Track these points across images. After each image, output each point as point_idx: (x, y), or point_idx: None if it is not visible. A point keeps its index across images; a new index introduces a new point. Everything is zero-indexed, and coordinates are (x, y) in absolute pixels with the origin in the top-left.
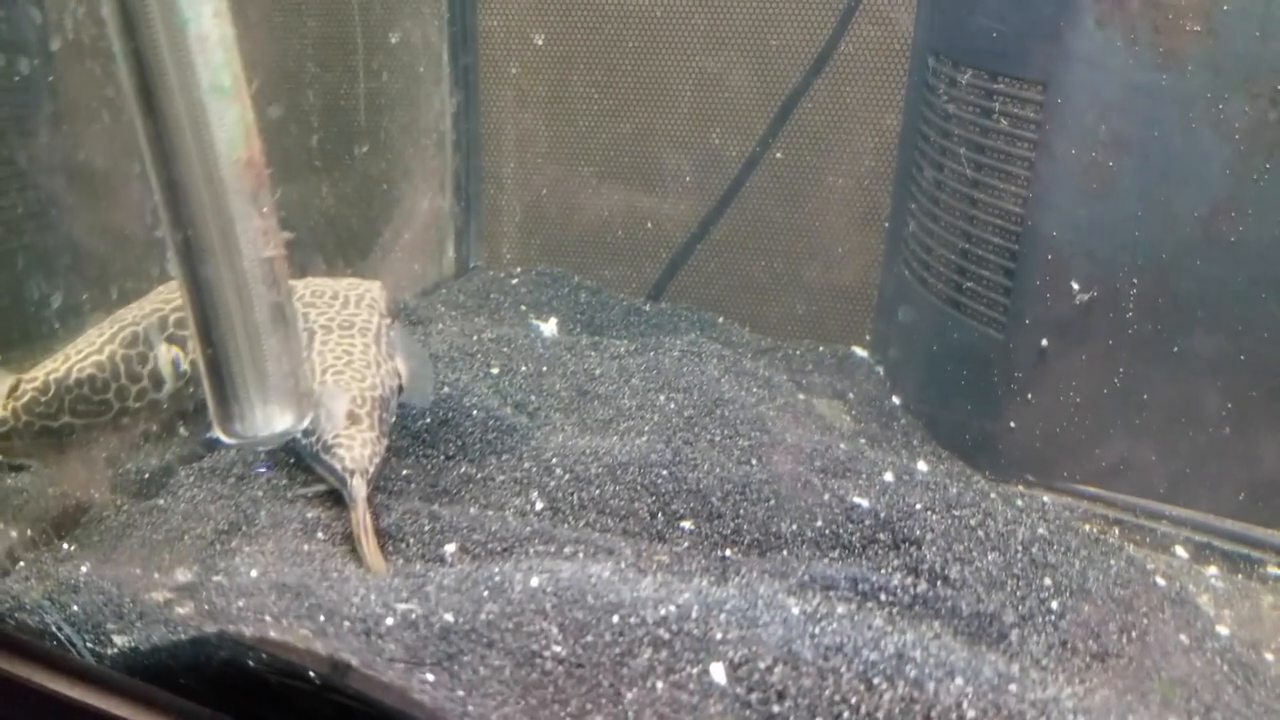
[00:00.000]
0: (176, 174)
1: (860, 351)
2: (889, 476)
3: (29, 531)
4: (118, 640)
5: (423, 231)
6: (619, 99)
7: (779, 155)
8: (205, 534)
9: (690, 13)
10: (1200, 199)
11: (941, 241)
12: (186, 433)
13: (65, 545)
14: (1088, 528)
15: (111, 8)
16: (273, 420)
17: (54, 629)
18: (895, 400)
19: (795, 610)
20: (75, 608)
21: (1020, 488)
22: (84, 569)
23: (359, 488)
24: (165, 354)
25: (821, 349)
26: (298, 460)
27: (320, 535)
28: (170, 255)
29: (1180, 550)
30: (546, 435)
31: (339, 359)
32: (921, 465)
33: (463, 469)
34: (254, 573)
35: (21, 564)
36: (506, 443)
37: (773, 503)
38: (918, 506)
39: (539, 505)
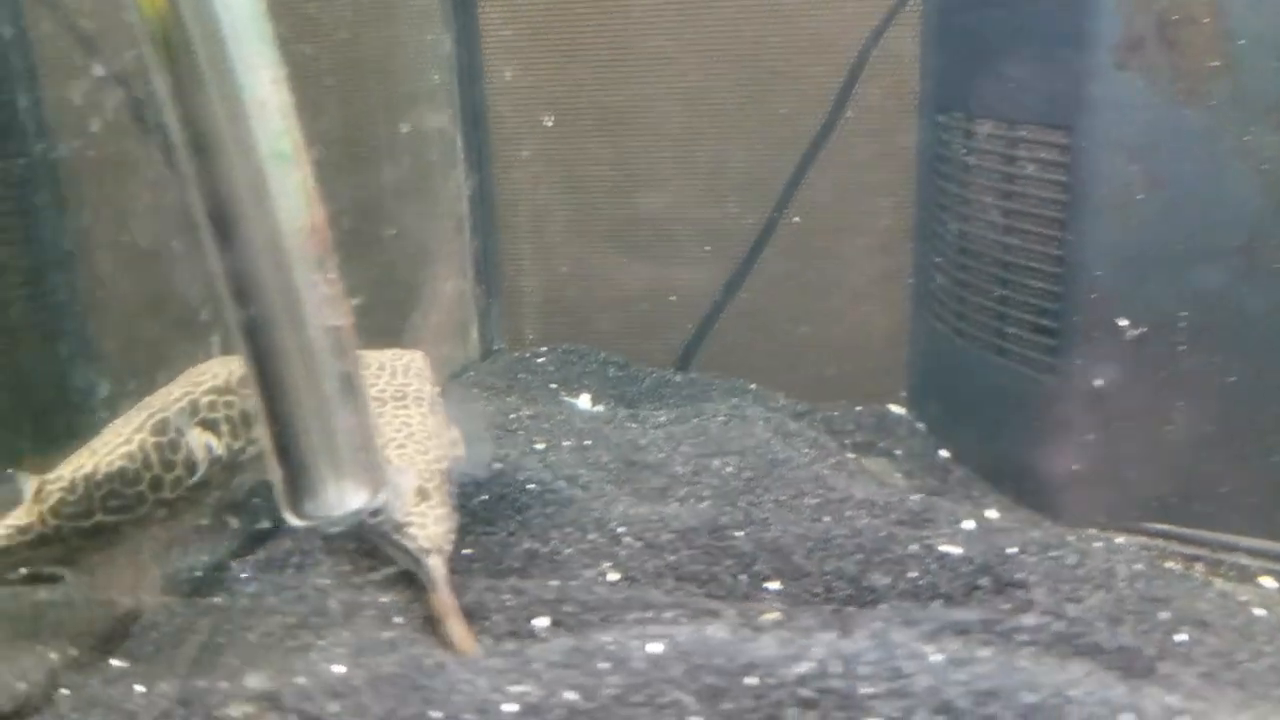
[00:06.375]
0: (238, 243)
1: (897, 409)
2: (970, 524)
3: (71, 650)
4: None
5: (448, 315)
6: (632, 174)
7: (796, 220)
8: (273, 630)
9: (698, 86)
10: (1237, 229)
11: (977, 291)
12: (237, 524)
13: (115, 662)
14: (1170, 565)
15: (163, 75)
16: (346, 497)
17: None
18: (945, 454)
19: (936, 658)
20: None
21: (1094, 531)
22: (138, 688)
23: (438, 567)
24: (198, 438)
25: (858, 409)
26: (360, 543)
27: (399, 619)
28: (231, 329)
29: (1267, 581)
30: (606, 505)
31: (398, 432)
32: (993, 513)
33: (526, 545)
34: (338, 668)
35: (65, 690)
36: (567, 515)
37: (860, 556)
38: (1011, 550)
39: (613, 577)
